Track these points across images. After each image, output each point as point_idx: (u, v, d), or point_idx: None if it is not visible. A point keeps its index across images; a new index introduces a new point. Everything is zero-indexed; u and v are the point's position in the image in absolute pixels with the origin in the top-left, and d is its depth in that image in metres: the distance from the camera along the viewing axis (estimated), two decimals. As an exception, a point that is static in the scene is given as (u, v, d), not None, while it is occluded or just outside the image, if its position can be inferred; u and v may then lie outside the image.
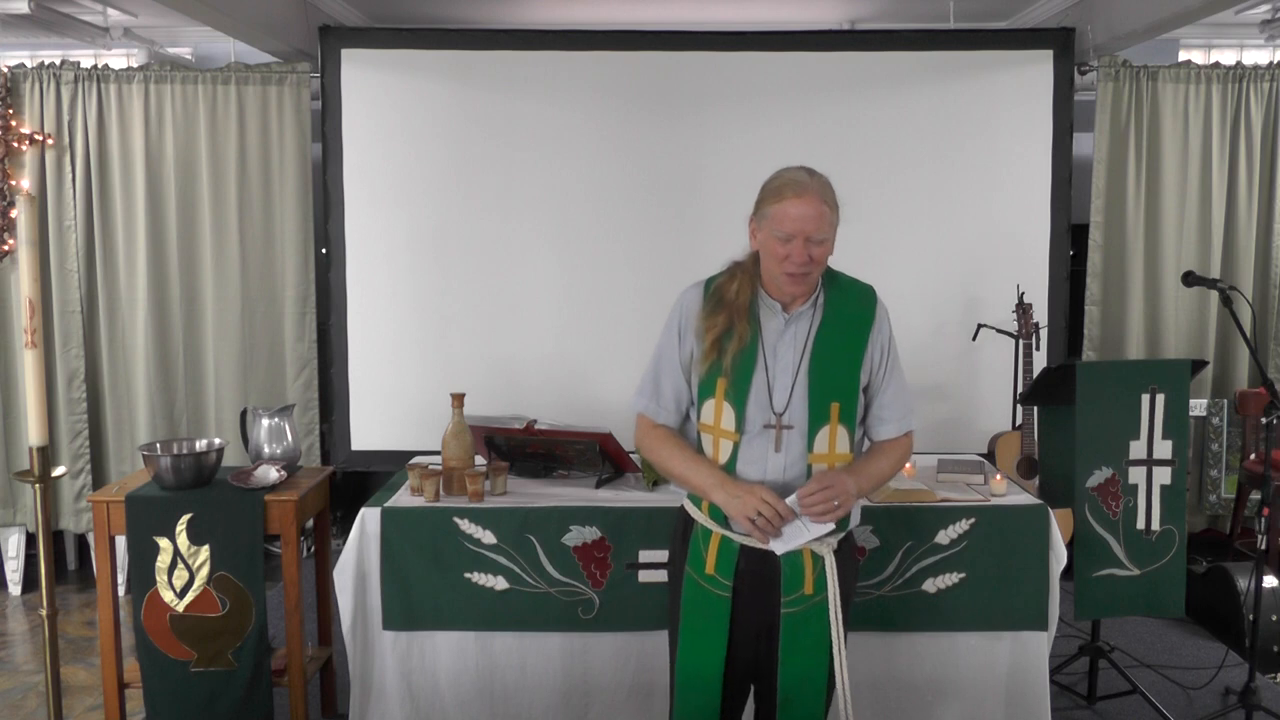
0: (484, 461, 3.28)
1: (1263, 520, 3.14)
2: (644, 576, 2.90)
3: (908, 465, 3.26)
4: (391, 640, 2.94)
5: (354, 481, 4.95)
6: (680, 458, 2.25)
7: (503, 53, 4.61)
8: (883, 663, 2.97)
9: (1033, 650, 2.97)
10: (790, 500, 2.13)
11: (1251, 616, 3.24)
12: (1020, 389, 4.29)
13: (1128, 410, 3.17)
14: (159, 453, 3.00)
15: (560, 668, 2.96)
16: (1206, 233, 4.66)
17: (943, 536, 2.93)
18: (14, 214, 4.41)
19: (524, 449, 3.22)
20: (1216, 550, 4.69)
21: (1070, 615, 3.49)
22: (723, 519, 2.22)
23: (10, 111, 4.47)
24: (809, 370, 2.19)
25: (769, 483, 2.17)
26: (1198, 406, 4.66)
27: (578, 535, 2.91)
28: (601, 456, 3.13)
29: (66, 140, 4.53)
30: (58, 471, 2.28)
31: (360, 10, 5.10)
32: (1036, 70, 4.61)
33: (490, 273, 4.69)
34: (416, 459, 3.31)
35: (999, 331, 4.39)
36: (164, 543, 2.90)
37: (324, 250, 4.73)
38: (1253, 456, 4.41)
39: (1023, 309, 4.22)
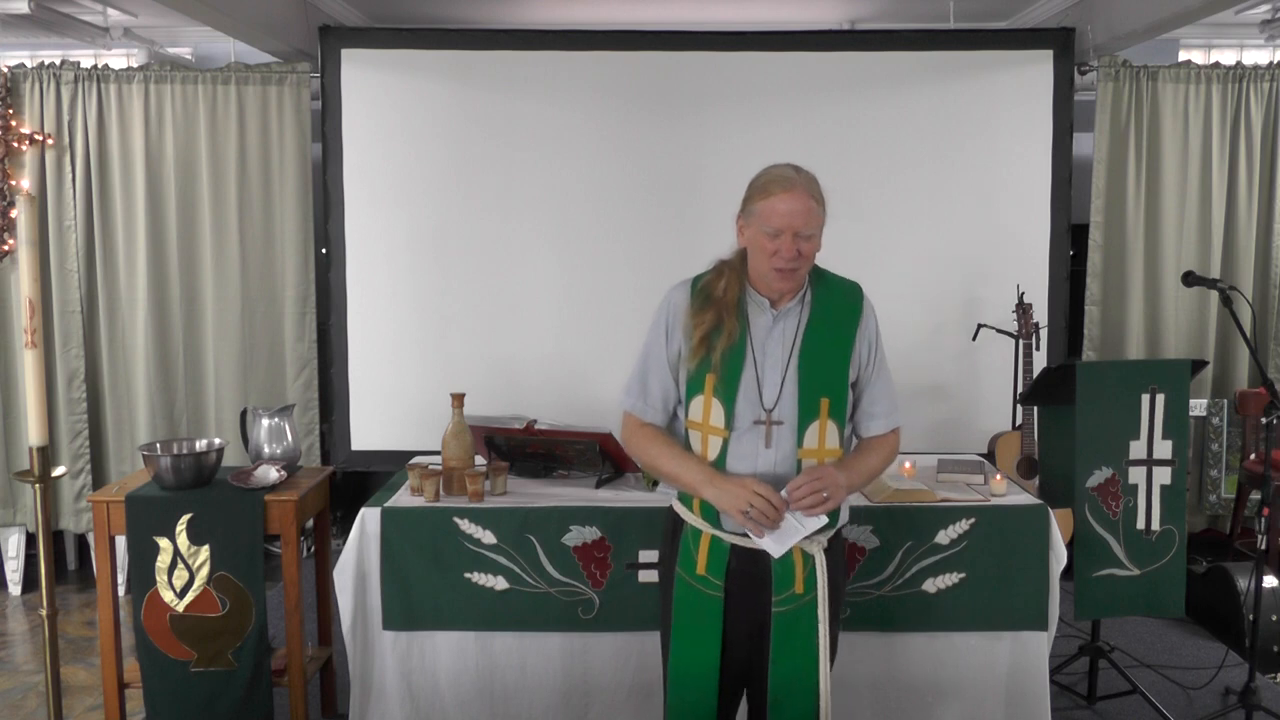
0: (484, 461, 3.27)
1: (1263, 520, 3.14)
2: (644, 576, 2.90)
3: (908, 465, 3.27)
4: (391, 640, 2.94)
5: (354, 481, 4.95)
6: (669, 455, 2.24)
7: (503, 53, 4.61)
8: (883, 663, 2.97)
9: (1033, 650, 2.97)
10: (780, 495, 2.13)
11: (1251, 616, 3.24)
12: (1020, 389, 4.29)
13: (1128, 410, 3.17)
14: (159, 453, 3.00)
15: (560, 668, 2.96)
16: (1206, 233, 4.66)
17: (943, 536, 2.92)
18: (14, 214, 4.41)
19: (524, 449, 3.22)
20: (1216, 550, 4.69)
21: (1070, 615, 3.48)
22: (714, 518, 2.21)
23: (10, 111, 4.47)
24: (798, 365, 2.20)
25: (760, 478, 2.17)
26: (1198, 406, 4.66)
27: (578, 535, 2.91)
28: (601, 456, 3.13)
29: (66, 140, 4.53)
30: (58, 471, 2.28)
31: (360, 10, 5.10)
32: (1036, 70, 4.61)
33: (490, 273, 4.69)
34: (416, 459, 3.31)
35: (999, 331, 4.39)
36: (164, 543, 2.90)
37: (324, 250, 4.73)
38: (1253, 456, 4.41)
39: (1023, 309, 4.22)
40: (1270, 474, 3.15)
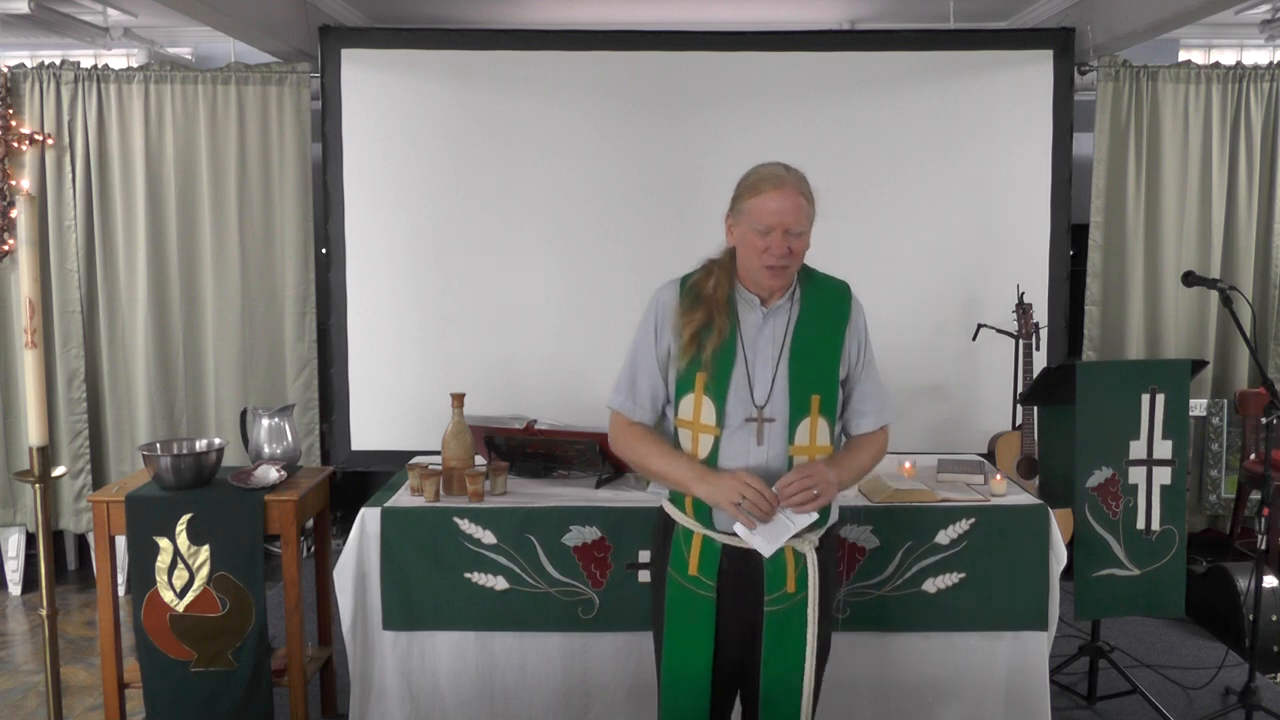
0: (484, 461, 3.27)
1: (1263, 520, 3.14)
2: (644, 576, 2.89)
3: (908, 465, 3.27)
4: (391, 640, 2.94)
5: (354, 481, 4.95)
6: (658, 453, 2.24)
7: (503, 53, 4.61)
8: (883, 663, 2.97)
9: (1033, 650, 2.97)
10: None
11: (1251, 616, 3.24)
12: (1020, 389, 4.29)
13: (1128, 410, 3.17)
14: (159, 453, 3.00)
15: (560, 668, 2.96)
16: (1206, 233, 4.66)
17: (943, 536, 2.92)
18: (14, 214, 4.41)
19: (524, 449, 3.22)
20: (1216, 550, 4.69)
21: (1070, 615, 3.48)
22: (706, 518, 2.21)
23: (10, 111, 4.47)
24: (789, 362, 2.20)
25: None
26: (1198, 406, 4.66)
27: (578, 535, 2.91)
28: (601, 456, 3.13)
29: (66, 140, 4.53)
30: (58, 471, 2.28)
31: (360, 10, 5.10)
32: (1036, 70, 4.61)
33: (490, 273, 4.69)
34: (416, 459, 3.31)
35: (999, 331, 4.39)
36: (164, 543, 2.90)
37: (324, 250, 4.73)
38: (1253, 456, 4.41)
39: (1023, 309, 4.22)
40: (1270, 474, 3.15)
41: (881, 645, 2.96)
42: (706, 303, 2.21)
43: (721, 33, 4.67)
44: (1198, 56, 5.27)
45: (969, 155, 4.63)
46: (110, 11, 4.62)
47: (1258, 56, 5.39)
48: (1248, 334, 4.17)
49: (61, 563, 4.91)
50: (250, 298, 4.66)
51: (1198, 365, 3.25)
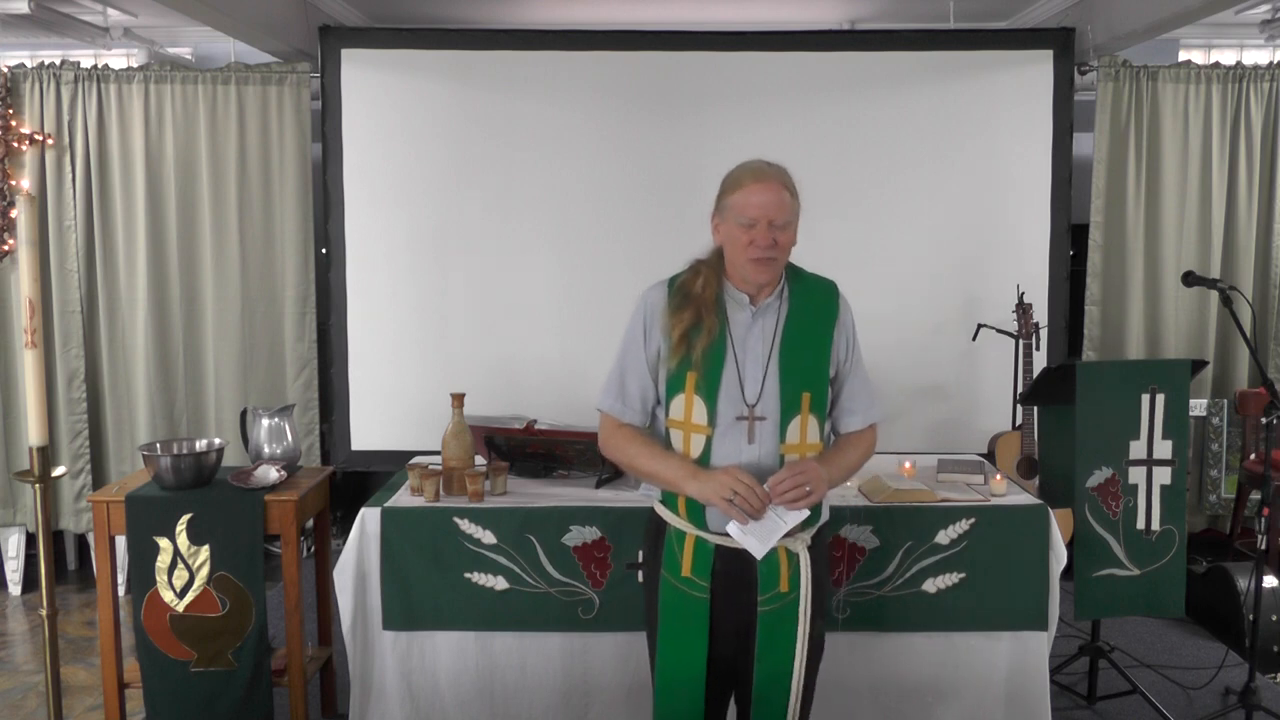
0: (484, 461, 3.27)
1: (1263, 520, 3.14)
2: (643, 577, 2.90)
3: (908, 465, 3.27)
4: (391, 640, 2.94)
5: (354, 481, 4.95)
6: (648, 454, 2.24)
7: (503, 53, 4.60)
8: (883, 663, 2.97)
9: (1033, 650, 2.97)
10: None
11: (1251, 616, 3.24)
12: (1020, 389, 4.29)
13: (1128, 410, 3.17)
14: (159, 453, 3.00)
15: (560, 668, 2.96)
16: (1206, 233, 4.66)
17: (943, 536, 2.92)
18: (14, 214, 4.41)
19: (524, 449, 3.22)
20: (1216, 550, 4.69)
21: (1070, 615, 3.48)
22: (699, 519, 2.21)
23: (10, 111, 4.47)
24: (779, 360, 2.21)
25: None
26: (1198, 406, 4.66)
27: (578, 535, 2.91)
28: (601, 457, 3.11)
29: (66, 140, 4.53)
30: (58, 471, 2.28)
31: (360, 10, 5.10)
32: (1036, 70, 4.61)
33: (490, 273, 4.69)
34: (416, 459, 3.31)
35: (999, 331, 4.39)
36: (164, 543, 2.90)
37: (324, 250, 4.72)
38: (1253, 456, 4.41)
39: (1023, 309, 4.22)
40: (1270, 474, 3.14)
41: (881, 645, 2.96)
42: (695, 302, 2.21)
43: (721, 33, 4.67)
44: (1198, 56, 5.27)
45: (969, 155, 4.63)
46: (110, 11, 4.62)
47: (1258, 56, 5.39)
48: (1248, 334, 4.16)
49: (61, 563, 4.91)
50: (250, 298, 4.66)
51: (1198, 365, 3.25)
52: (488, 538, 2.90)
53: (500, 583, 2.92)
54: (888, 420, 4.50)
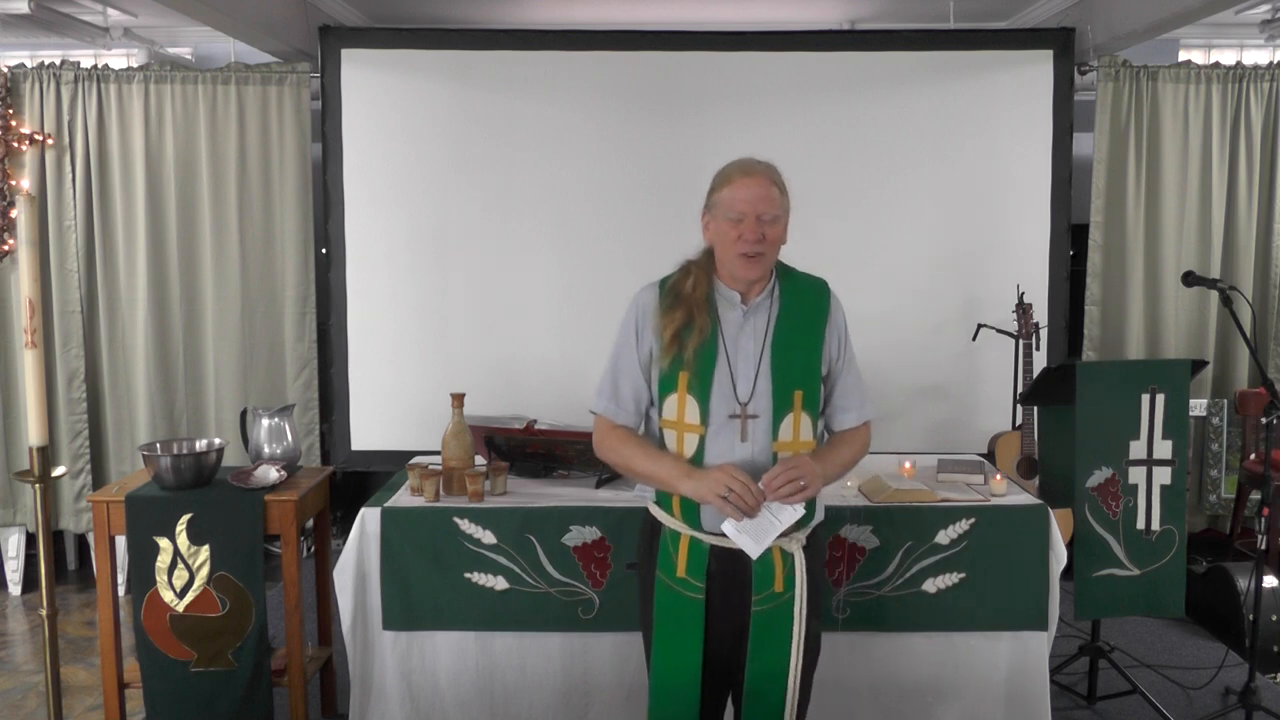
0: (484, 461, 3.27)
1: (1263, 520, 3.14)
2: (644, 576, 2.90)
3: (908, 465, 3.27)
4: (391, 640, 2.94)
5: (354, 481, 4.95)
6: (643, 454, 2.25)
7: (503, 53, 4.61)
8: (883, 663, 2.97)
9: (1033, 650, 2.97)
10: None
11: (1251, 616, 3.24)
12: (1020, 389, 4.29)
13: (1128, 410, 3.17)
14: (159, 453, 3.00)
15: (560, 668, 2.96)
16: (1206, 233, 4.66)
17: (943, 536, 2.92)
18: (14, 214, 4.41)
19: (524, 449, 3.22)
20: (1216, 550, 4.69)
21: (1070, 615, 3.48)
22: (694, 519, 2.21)
23: (10, 111, 4.47)
24: (771, 358, 2.21)
25: None
26: (1198, 406, 4.66)
27: (578, 535, 2.91)
28: (601, 456, 3.13)
29: (66, 140, 4.53)
30: (58, 471, 2.28)
31: (360, 10, 5.10)
32: (1036, 70, 4.61)
33: (490, 273, 4.69)
34: (416, 459, 3.31)
35: (999, 331, 4.39)
36: (164, 543, 2.90)
37: (324, 250, 4.73)
38: (1253, 456, 4.41)
39: (1023, 309, 4.22)
40: (1270, 474, 3.14)
41: (881, 645, 2.96)
42: (686, 302, 2.21)
43: (721, 33, 4.67)
44: (1198, 56, 5.27)
45: (969, 155, 4.63)
46: (110, 11, 4.62)
47: (1258, 56, 5.39)
48: (1248, 334, 4.17)
49: (61, 563, 4.91)
50: (250, 298, 4.66)
51: (1198, 365, 3.25)
52: (488, 538, 2.90)
53: (500, 583, 2.92)
54: (888, 420, 4.57)
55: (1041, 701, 2.98)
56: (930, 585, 2.94)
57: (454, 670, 2.96)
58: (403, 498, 3.02)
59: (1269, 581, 3.65)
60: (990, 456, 4.17)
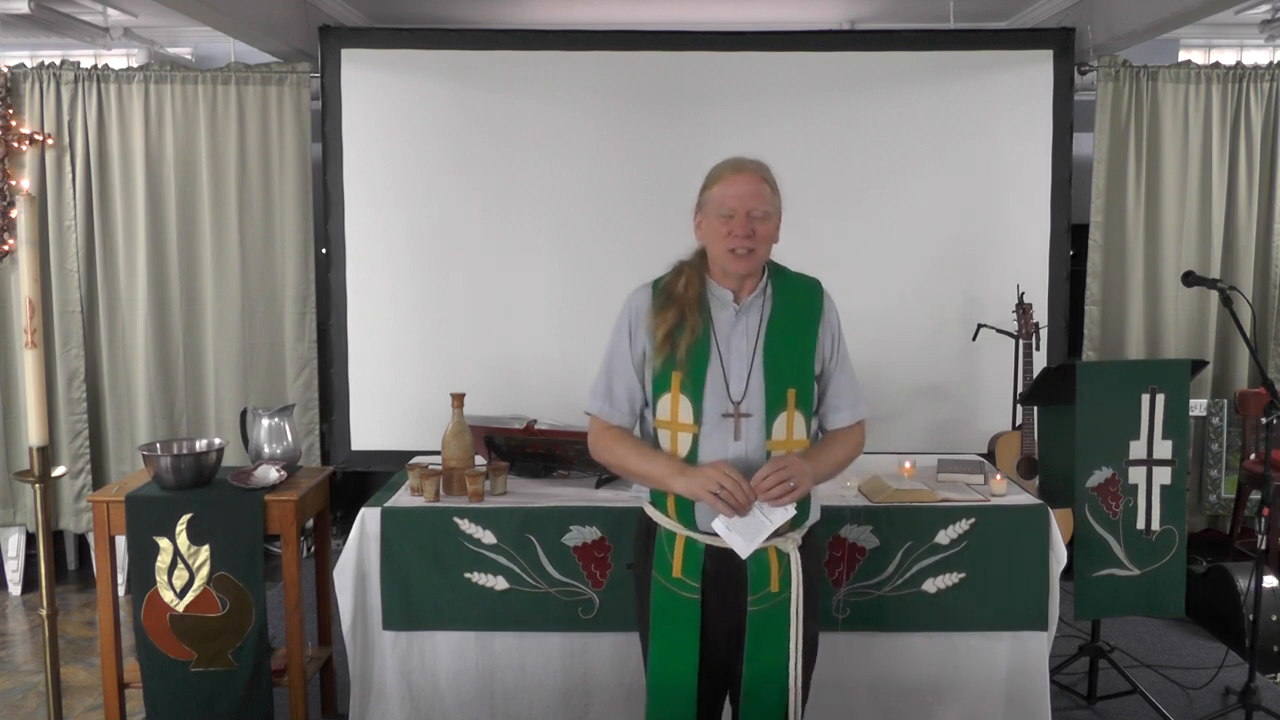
0: (484, 461, 3.28)
1: (1263, 520, 3.14)
2: (644, 576, 2.90)
3: (908, 465, 3.27)
4: (391, 640, 2.94)
5: (354, 481, 4.95)
6: (636, 454, 2.25)
7: (503, 53, 4.61)
8: (883, 663, 2.97)
9: (1033, 650, 2.97)
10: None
11: (1251, 616, 3.24)
12: (1020, 389, 4.29)
13: (1128, 410, 3.17)
14: (159, 453, 3.00)
15: (560, 668, 2.96)
16: (1206, 233, 4.66)
17: (943, 536, 2.92)
18: (14, 214, 4.41)
19: (524, 449, 3.22)
20: (1216, 550, 4.69)
21: (1070, 615, 3.48)
22: (689, 519, 2.21)
23: (10, 111, 4.47)
24: (764, 357, 2.21)
25: None
26: (1198, 406, 4.66)
27: (578, 535, 2.91)
28: (601, 456, 3.13)
29: (66, 140, 4.53)
30: (58, 471, 2.28)
31: (360, 10, 5.10)
32: (1036, 70, 4.61)
33: (490, 273, 4.69)
34: (416, 459, 3.31)
35: (999, 331, 4.39)
36: (164, 543, 2.90)
37: (324, 250, 4.73)
38: (1253, 456, 4.41)
39: (1023, 309, 4.22)
40: (1270, 474, 3.14)
41: (881, 645, 2.96)
42: (678, 302, 2.22)
43: (721, 33, 4.67)
44: (1198, 56, 5.27)
45: (969, 155, 4.64)
46: (110, 11, 4.62)
47: (1258, 56, 5.39)
48: (1248, 334, 4.17)
49: (61, 563, 4.91)
50: (250, 298, 4.66)
51: (1198, 365, 3.25)
52: (488, 538, 2.90)
53: (500, 583, 2.92)
54: (888, 420, 4.57)
55: (1041, 701, 2.98)
56: (930, 585, 2.94)
57: (454, 670, 2.96)
58: (403, 498, 3.02)
59: (1269, 581, 3.65)
60: (990, 456, 4.17)
